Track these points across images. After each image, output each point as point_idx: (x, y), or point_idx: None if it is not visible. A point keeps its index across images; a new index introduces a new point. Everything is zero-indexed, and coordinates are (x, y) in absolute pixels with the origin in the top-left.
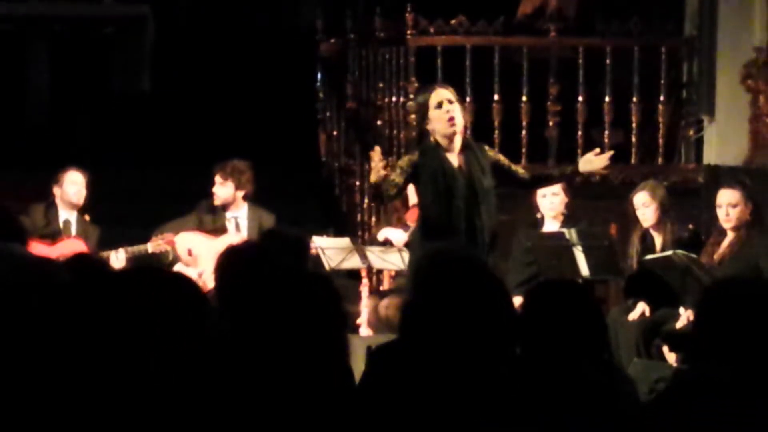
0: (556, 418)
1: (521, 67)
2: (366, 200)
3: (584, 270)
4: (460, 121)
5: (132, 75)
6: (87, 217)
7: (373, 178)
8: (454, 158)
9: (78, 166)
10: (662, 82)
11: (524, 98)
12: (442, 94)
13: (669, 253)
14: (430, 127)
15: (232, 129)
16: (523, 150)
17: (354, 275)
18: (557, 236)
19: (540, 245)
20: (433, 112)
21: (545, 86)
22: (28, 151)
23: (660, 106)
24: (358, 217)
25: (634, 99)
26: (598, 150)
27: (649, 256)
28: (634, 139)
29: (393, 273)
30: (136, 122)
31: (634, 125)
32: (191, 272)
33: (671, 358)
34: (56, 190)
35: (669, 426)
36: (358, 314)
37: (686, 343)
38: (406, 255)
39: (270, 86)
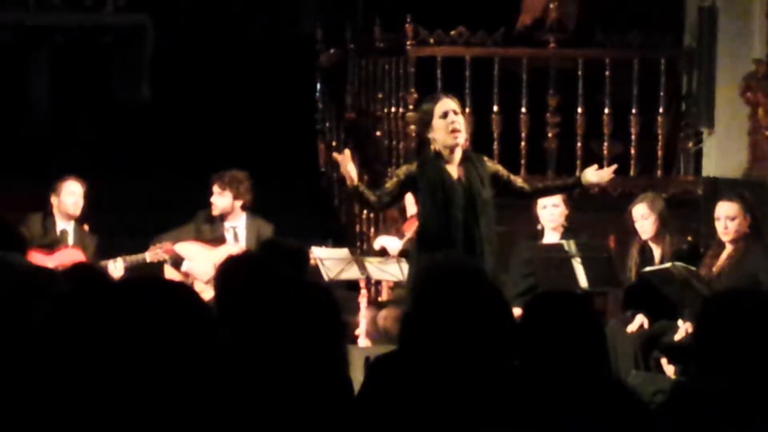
0: (556, 429)
1: (521, 78)
2: (365, 211)
3: (583, 282)
4: (464, 133)
5: (132, 84)
6: (85, 227)
7: (348, 182)
8: (453, 169)
9: (77, 175)
10: (661, 94)
11: (523, 109)
12: (448, 104)
13: (668, 265)
14: (431, 136)
15: (231, 138)
16: (522, 161)
17: (353, 286)
18: (556, 248)
19: (539, 257)
20: (437, 122)
21: (545, 97)
22: (28, 160)
23: (659, 118)
24: (357, 227)
25: (634, 111)
26: (596, 166)
27: (648, 268)
28: (633, 151)
29: (392, 284)
30: (135, 131)
31: (633, 137)
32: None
33: (670, 370)
34: (54, 200)
35: None
36: (356, 325)
37: (685, 356)
38: (404, 266)
39: (269, 96)
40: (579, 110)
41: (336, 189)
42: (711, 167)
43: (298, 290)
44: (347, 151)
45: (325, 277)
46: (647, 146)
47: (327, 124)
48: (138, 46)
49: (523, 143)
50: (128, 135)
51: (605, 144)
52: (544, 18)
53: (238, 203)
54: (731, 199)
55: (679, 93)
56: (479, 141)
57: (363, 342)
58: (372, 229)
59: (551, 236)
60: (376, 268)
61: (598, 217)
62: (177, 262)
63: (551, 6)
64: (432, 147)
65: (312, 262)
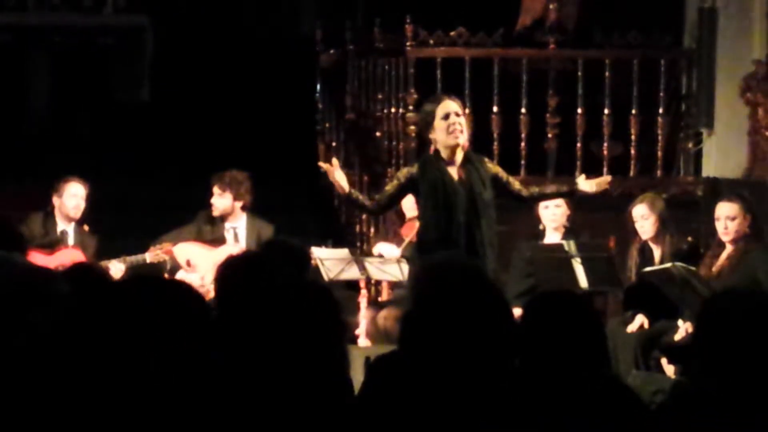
0: (556, 429)
1: (520, 78)
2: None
3: (583, 282)
4: (465, 134)
5: (132, 85)
6: (86, 227)
7: (339, 191)
8: (454, 170)
9: (78, 175)
10: (661, 94)
11: (523, 110)
12: (449, 105)
13: (668, 265)
14: (432, 136)
15: (231, 139)
16: (522, 162)
17: (353, 286)
18: (556, 248)
19: (539, 257)
20: (438, 123)
21: (544, 98)
22: (28, 161)
23: (659, 119)
24: (357, 228)
25: (633, 111)
26: (584, 176)
27: (648, 269)
28: (633, 152)
29: (392, 284)
30: (135, 132)
31: (633, 137)
32: (193, 278)
33: (670, 370)
34: (55, 200)
35: None
36: (356, 325)
37: (685, 356)
38: (404, 266)
39: (269, 97)
40: (579, 111)
41: (336, 190)
42: (711, 168)
43: (299, 290)
44: (335, 161)
45: (325, 278)
46: (647, 147)
47: (327, 125)
48: (137, 47)
49: (522, 144)
50: (128, 136)
51: (605, 144)
52: (544, 19)
53: (239, 204)
54: (731, 200)
55: (679, 93)
56: (479, 142)
57: (363, 342)
58: (372, 230)
59: (553, 236)
60: (376, 268)
61: (598, 217)
62: (173, 269)
63: (551, 7)
64: (433, 148)
65: (312, 262)
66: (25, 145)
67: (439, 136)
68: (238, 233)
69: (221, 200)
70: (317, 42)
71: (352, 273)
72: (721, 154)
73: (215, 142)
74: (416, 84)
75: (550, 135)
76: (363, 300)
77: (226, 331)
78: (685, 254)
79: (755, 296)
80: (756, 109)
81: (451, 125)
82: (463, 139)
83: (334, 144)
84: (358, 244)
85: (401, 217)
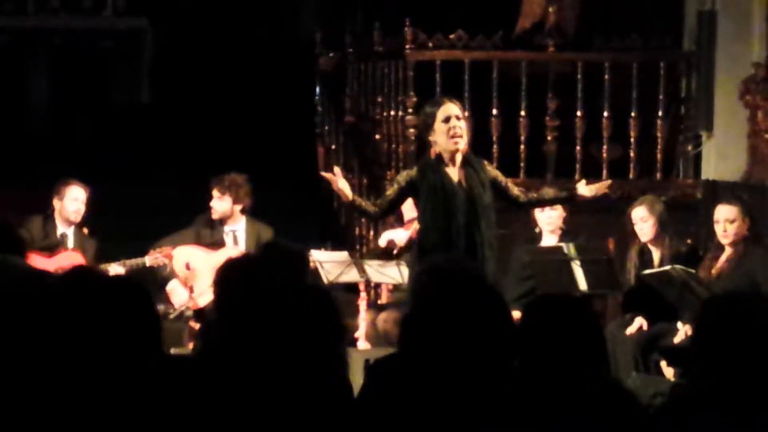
0: (556, 431)
1: (520, 81)
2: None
3: (582, 284)
4: (465, 138)
5: (131, 87)
6: (85, 230)
7: (343, 199)
8: (454, 173)
9: (78, 178)
10: (661, 97)
11: (523, 113)
12: (450, 109)
13: (667, 267)
14: (432, 138)
15: (230, 142)
16: (522, 164)
17: (352, 289)
18: (555, 251)
19: (538, 259)
20: (438, 126)
21: (544, 101)
22: (27, 164)
23: (658, 122)
24: (357, 230)
25: (633, 114)
26: (584, 181)
27: (647, 271)
28: (632, 154)
29: (391, 287)
30: (135, 134)
31: (632, 140)
32: (181, 292)
33: (669, 372)
34: (56, 203)
35: None
36: (356, 328)
37: (684, 358)
38: (404, 269)
39: (269, 100)
40: (578, 114)
41: (335, 192)
42: (710, 170)
43: (298, 293)
44: (337, 169)
45: (325, 280)
46: (646, 149)
47: (326, 128)
48: (137, 50)
49: (522, 147)
50: (127, 138)
51: (604, 147)
52: (543, 22)
53: (238, 207)
54: (730, 202)
55: (679, 96)
56: (478, 144)
57: (362, 345)
58: (371, 232)
59: (549, 239)
60: (375, 270)
61: (597, 219)
62: (178, 268)
63: (550, 10)
64: (432, 150)
65: (311, 265)
66: (24, 146)
67: (439, 139)
68: (238, 236)
69: (221, 203)
70: (317, 45)
71: (352, 276)
72: (721, 157)
73: (215, 144)
74: (415, 87)
75: (549, 138)
76: (362, 303)
77: (225, 334)
78: (684, 257)
79: (754, 299)
80: (755, 111)
81: (451, 129)
82: (463, 143)
83: (333, 147)
84: (358, 246)
85: (400, 218)
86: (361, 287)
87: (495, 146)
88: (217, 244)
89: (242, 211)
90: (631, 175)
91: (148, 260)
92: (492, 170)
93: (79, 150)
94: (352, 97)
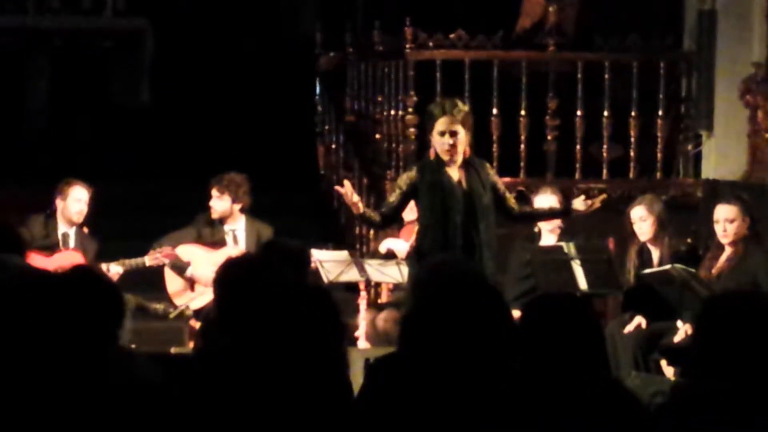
0: (556, 431)
1: (520, 81)
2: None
3: (582, 284)
4: (460, 150)
5: (131, 88)
6: (86, 230)
7: (354, 211)
8: (454, 173)
9: (79, 178)
10: (661, 96)
11: (523, 112)
12: (447, 124)
13: (667, 267)
14: (432, 139)
15: (231, 142)
16: (522, 164)
17: (352, 288)
18: (555, 250)
19: (538, 259)
20: (435, 136)
21: (544, 100)
22: (27, 164)
23: (658, 121)
24: (357, 230)
25: (633, 114)
26: (584, 196)
27: (647, 270)
28: (632, 154)
29: (391, 286)
30: (135, 135)
31: (632, 140)
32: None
33: (669, 372)
34: (59, 203)
35: None
36: (356, 327)
37: (684, 357)
38: (404, 268)
39: (269, 99)
40: (578, 113)
41: (335, 192)
42: (710, 170)
43: (298, 292)
44: (347, 183)
45: (325, 280)
46: (647, 149)
47: (326, 127)
48: (137, 50)
49: (522, 146)
50: (127, 138)
51: (605, 147)
52: (544, 21)
53: (237, 206)
54: (730, 202)
55: (679, 96)
56: (479, 144)
57: (362, 344)
58: (371, 232)
59: (548, 238)
60: (375, 270)
61: (597, 219)
62: (179, 266)
63: (550, 9)
64: (432, 150)
65: (312, 264)
66: (24, 147)
67: (436, 145)
68: (237, 235)
69: (220, 203)
70: (317, 44)
71: (352, 275)
72: (721, 157)
73: (215, 144)
74: (416, 86)
75: (549, 137)
76: (362, 302)
77: (225, 334)
78: (683, 256)
79: (754, 298)
80: (755, 111)
81: (445, 143)
82: (459, 157)
83: (333, 146)
84: (358, 246)
85: (400, 220)
86: (361, 286)
87: (495, 146)
88: (218, 243)
89: (241, 210)
90: (631, 175)
91: (148, 260)
92: (493, 175)
93: (79, 150)
94: (352, 96)
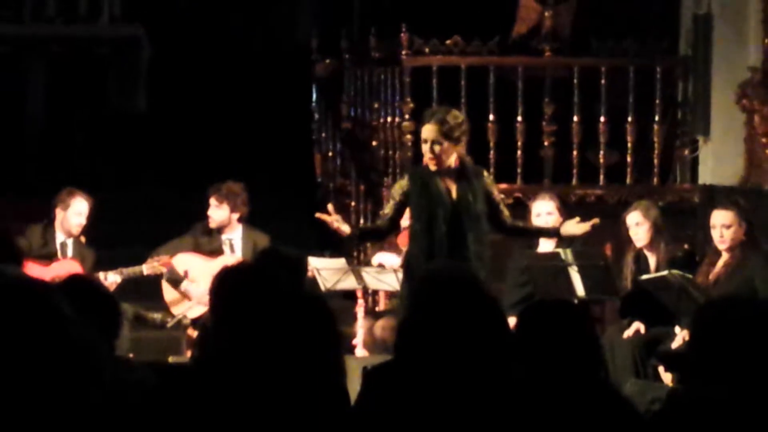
0: None
1: (516, 87)
2: (362, 220)
3: (580, 290)
4: (444, 160)
5: (128, 95)
6: (83, 239)
7: (344, 235)
8: (445, 181)
9: (76, 186)
10: (657, 101)
11: (519, 118)
12: (426, 131)
13: (664, 273)
14: None
15: (227, 149)
16: (519, 170)
17: (349, 296)
18: (553, 256)
19: (535, 265)
20: (422, 144)
21: (540, 106)
22: (24, 171)
23: (655, 126)
24: None
25: (629, 119)
26: (578, 218)
27: (644, 276)
28: (629, 159)
29: (388, 294)
30: (131, 142)
31: (629, 145)
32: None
33: (667, 378)
34: (58, 212)
35: None
36: (353, 335)
37: (682, 363)
38: (401, 276)
39: (265, 106)
40: (575, 118)
41: (332, 199)
42: (707, 175)
43: (294, 301)
44: (330, 208)
45: (322, 287)
46: (643, 154)
47: (323, 134)
48: (133, 57)
49: (519, 152)
50: (124, 145)
51: (601, 152)
52: (540, 27)
53: (235, 216)
54: (726, 207)
55: (675, 101)
56: (475, 150)
57: (360, 352)
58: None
59: (545, 245)
60: (372, 278)
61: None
62: (175, 279)
63: (546, 15)
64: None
65: (309, 272)
66: (21, 154)
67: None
68: (234, 244)
69: (218, 212)
70: (313, 51)
71: (349, 283)
72: (718, 161)
73: (211, 151)
74: (412, 93)
75: (546, 143)
76: (360, 310)
77: (222, 342)
78: (680, 261)
79: (751, 303)
80: (752, 115)
81: (426, 151)
82: (438, 166)
83: (330, 153)
84: (355, 254)
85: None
86: (359, 294)
87: (492, 152)
88: (216, 252)
89: (239, 220)
90: (628, 180)
91: (146, 268)
92: (490, 184)
93: (75, 157)
94: (348, 103)
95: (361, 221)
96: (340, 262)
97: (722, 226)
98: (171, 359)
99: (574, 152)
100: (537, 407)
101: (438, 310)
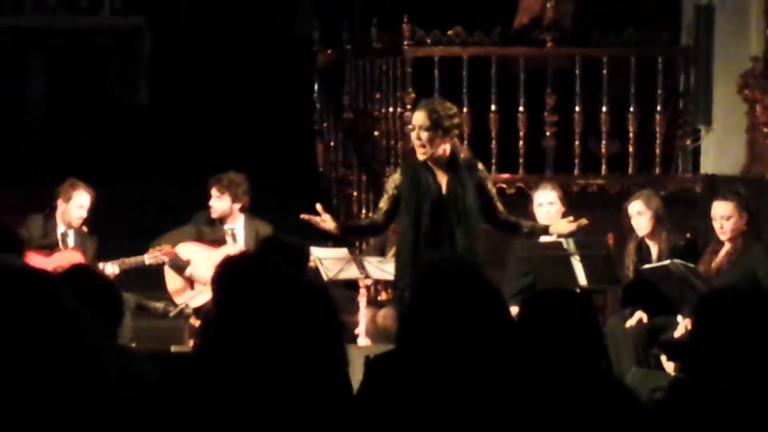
0: (553, 427)
1: (518, 77)
2: (364, 210)
3: (582, 279)
4: (431, 149)
5: (129, 87)
6: (85, 229)
7: (333, 232)
8: (436, 174)
9: (77, 177)
10: (659, 91)
11: (521, 108)
12: (416, 117)
13: (667, 262)
14: None
15: (229, 140)
16: (521, 160)
17: (352, 285)
18: (555, 246)
19: (537, 255)
20: (411, 132)
21: (542, 96)
22: (25, 163)
23: (657, 116)
24: None
25: (631, 109)
26: (571, 218)
27: (646, 266)
28: (631, 149)
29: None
30: (133, 134)
31: (631, 135)
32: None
33: (669, 367)
34: (60, 204)
35: None
36: (355, 324)
37: (684, 352)
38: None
39: (267, 97)
40: (577, 109)
41: (334, 189)
42: (709, 165)
43: (296, 290)
44: (319, 207)
45: (324, 277)
46: (645, 144)
47: (325, 125)
48: (135, 49)
49: (521, 142)
50: (125, 137)
51: (603, 142)
52: (541, 17)
53: (237, 206)
54: (726, 199)
55: (677, 91)
56: (477, 140)
57: (362, 341)
58: None
59: (547, 234)
60: (375, 267)
61: (596, 215)
62: (179, 265)
63: (548, 5)
64: None
65: (311, 262)
66: (22, 146)
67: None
68: (237, 234)
69: (220, 202)
70: (314, 42)
71: (352, 272)
72: (720, 151)
73: (213, 142)
74: (414, 83)
75: (548, 133)
76: (362, 299)
77: (224, 332)
78: (682, 251)
79: (753, 293)
80: (754, 106)
81: (414, 139)
82: (429, 152)
83: (332, 143)
84: (357, 243)
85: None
86: (361, 284)
87: (494, 142)
88: (219, 241)
89: (241, 210)
90: (630, 170)
91: (148, 258)
92: (485, 178)
93: (76, 148)
94: (350, 93)
95: (363, 211)
96: (343, 251)
97: (722, 217)
98: (173, 349)
99: (576, 142)
100: (539, 397)
101: (440, 299)
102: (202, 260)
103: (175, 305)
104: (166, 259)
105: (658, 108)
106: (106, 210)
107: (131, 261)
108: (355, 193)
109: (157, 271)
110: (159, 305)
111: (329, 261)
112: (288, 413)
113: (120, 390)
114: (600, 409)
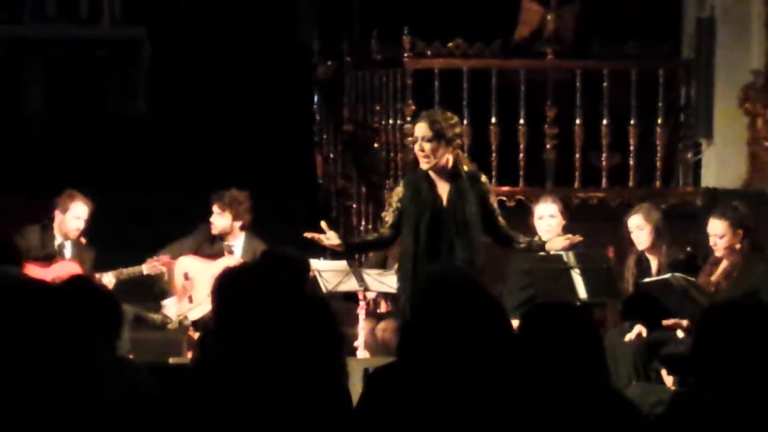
0: None
1: (518, 89)
2: (363, 222)
3: (582, 292)
4: (434, 160)
5: (127, 97)
6: (83, 240)
7: (338, 249)
8: (438, 186)
9: (75, 189)
10: (660, 104)
11: (521, 121)
12: (418, 129)
13: (667, 276)
14: None
15: (228, 151)
16: (521, 173)
17: (351, 298)
18: (555, 259)
19: (537, 268)
20: (413, 144)
21: (542, 109)
22: (23, 173)
23: (658, 129)
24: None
25: (632, 122)
26: (570, 235)
27: (647, 279)
28: (631, 162)
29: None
30: (131, 144)
31: (631, 148)
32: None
33: (670, 381)
34: (57, 215)
35: None
36: (355, 337)
37: (685, 366)
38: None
39: (266, 109)
40: (577, 121)
41: (334, 201)
42: (710, 178)
43: (296, 302)
44: (324, 224)
45: (324, 289)
46: (646, 157)
47: (324, 137)
48: (134, 59)
49: (521, 155)
50: (124, 148)
51: (604, 155)
52: (542, 29)
53: (237, 224)
54: (719, 217)
55: (678, 104)
56: (477, 153)
57: (362, 354)
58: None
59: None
60: (374, 279)
61: (596, 228)
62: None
63: (548, 17)
64: None
65: (311, 274)
66: (20, 156)
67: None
68: (235, 251)
69: (221, 219)
70: (314, 53)
71: (351, 285)
72: (720, 165)
73: (212, 154)
74: (414, 95)
75: (548, 146)
76: (361, 312)
77: (223, 344)
78: (682, 264)
79: (753, 306)
80: (755, 119)
81: (417, 150)
82: (432, 163)
83: (331, 155)
84: (357, 255)
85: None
86: (360, 296)
87: (494, 155)
88: (217, 256)
89: (242, 228)
90: (630, 183)
91: (146, 269)
92: (488, 190)
93: (75, 159)
94: (350, 105)
95: (363, 223)
96: (342, 263)
97: (715, 235)
98: (171, 360)
99: (577, 155)
100: (540, 410)
101: (441, 311)
102: (200, 272)
103: (174, 296)
104: (163, 269)
105: (659, 121)
106: (104, 221)
107: (129, 271)
108: (354, 206)
109: (154, 282)
110: (157, 317)
111: (328, 273)
112: (287, 426)
113: (119, 401)
114: (602, 422)
